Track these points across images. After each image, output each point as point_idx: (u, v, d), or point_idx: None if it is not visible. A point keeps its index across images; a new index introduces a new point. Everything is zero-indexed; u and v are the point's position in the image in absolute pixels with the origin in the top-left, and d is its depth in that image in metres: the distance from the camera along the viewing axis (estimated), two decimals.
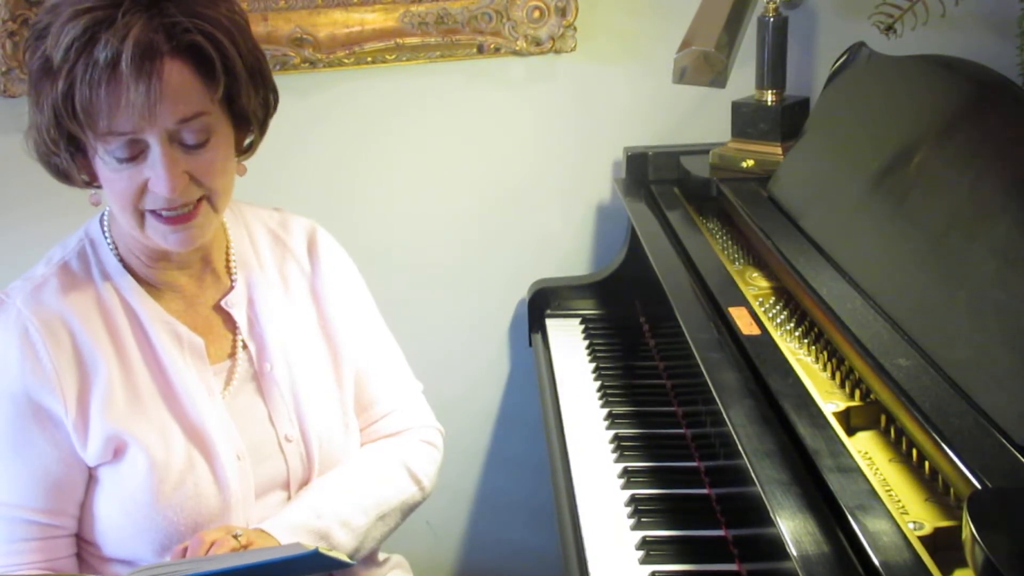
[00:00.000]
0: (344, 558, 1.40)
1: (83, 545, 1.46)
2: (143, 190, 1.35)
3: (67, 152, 1.37)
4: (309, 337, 1.56)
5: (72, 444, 1.40)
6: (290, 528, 1.43)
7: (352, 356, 1.59)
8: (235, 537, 1.36)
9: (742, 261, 1.79)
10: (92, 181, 1.41)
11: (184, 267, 1.48)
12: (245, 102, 1.40)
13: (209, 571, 1.27)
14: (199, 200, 1.38)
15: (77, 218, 1.52)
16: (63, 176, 1.42)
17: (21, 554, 1.41)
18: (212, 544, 1.34)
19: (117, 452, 1.41)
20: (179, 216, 1.37)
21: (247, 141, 1.48)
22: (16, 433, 1.40)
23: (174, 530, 1.41)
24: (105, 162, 1.35)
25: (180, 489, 1.41)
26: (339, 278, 1.61)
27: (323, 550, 1.30)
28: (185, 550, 1.36)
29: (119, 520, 1.42)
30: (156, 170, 1.33)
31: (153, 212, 1.37)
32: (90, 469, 1.42)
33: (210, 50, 1.33)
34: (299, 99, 2.16)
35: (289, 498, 1.50)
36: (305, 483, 1.52)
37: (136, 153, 1.34)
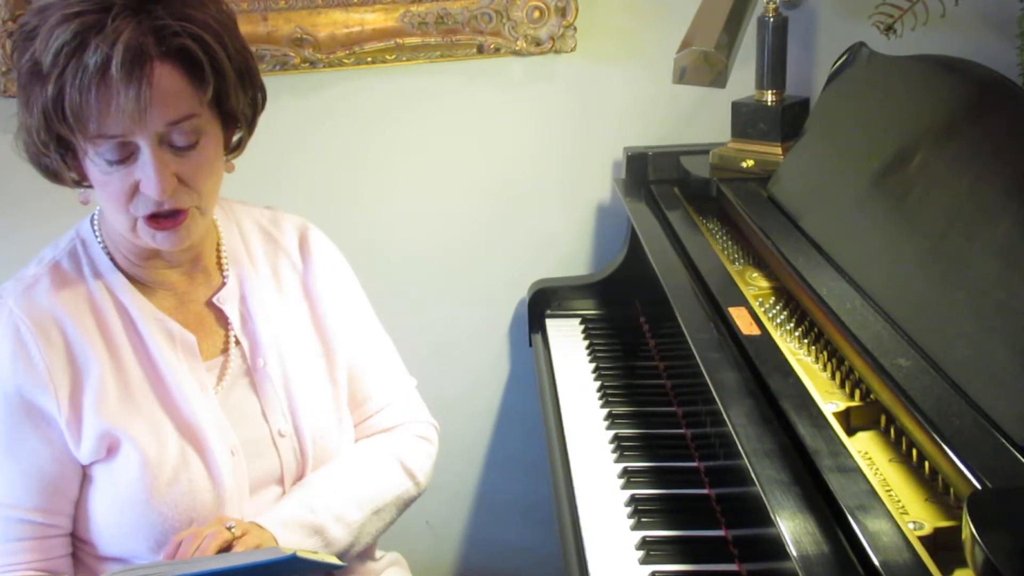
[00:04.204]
0: (333, 560, 1.40)
1: (79, 544, 1.47)
2: (134, 191, 1.36)
3: (57, 153, 1.37)
4: (302, 333, 1.56)
5: (65, 442, 1.40)
6: (284, 523, 1.44)
7: (345, 352, 1.59)
8: (228, 529, 1.37)
9: (742, 261, 1.79)
10: (82, 180, 1.41)
11: (174, 265, 1.49)
12: (234, 103, 1.40)
13: (184, 574, 1.27)
14: (188, 208, 1.39)
15: (75, 218, 1.52)
16: (53, 176, 1.42)
17: (16, 554, 1.41)
18: (205, 537, 1.35)
19: (110, 450, 1.41)
20: (167, 219, 1.38)
21: (235, 139, 1.48)
22: (9, 433, 1.40)
23: (169, 527, 1.41)
24: (95, 164, 1.35)
25: (174, 485, 1.41)
26: (331, 274, 1.61)
27: (302, 553, 1.30)
28: (179, 544, 1.36)
29: (114, 518, 1.42)
30: (146, 172, 1.34)
31: (143, 218, 1.37)
32: (84, 468, 1.42)
33: (199, 53, 1.33)
34: (299, 99, 2.16)
35: (283, 493, 1.51)
36: (299, 478, 1.52)
37: (126, 155, 1.34)
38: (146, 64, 1.30)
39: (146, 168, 1.34)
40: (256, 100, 1.46)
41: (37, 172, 1.43)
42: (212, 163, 1.40)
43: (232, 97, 1.40)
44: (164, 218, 1.37)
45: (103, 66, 1.29)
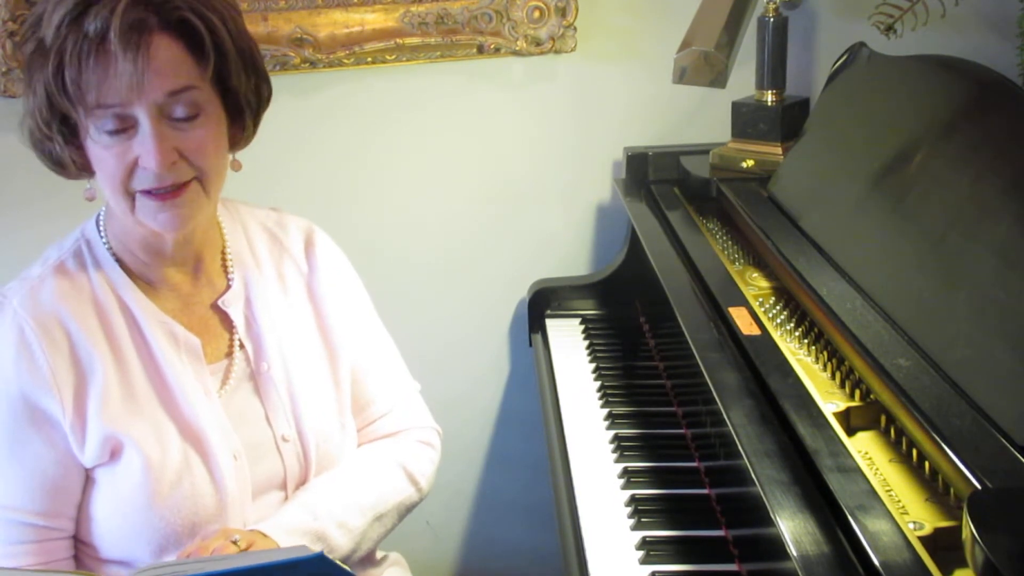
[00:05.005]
0: (350, 571, 1.40)
1: (80, 547, 1.46)
2: (133, 168, 1.35)
3: (59, 134, 1.37)
4: (306, 337, 1.55)
5: (69, 445, 1.40)
6: (286, 529, 1.43)
7: (349, 356, 1.59)
8: (234, 542, 1.36)
9: (742, 261, 1.79)
10: (85, 167, 1.40)
11: (178, 263, 1.48)
12: (236, 83, 1.40)
13: (213, 571, 1.26)
14: (189, 180, 1.38)
15: (77, 218, 1.52)
16: (57, 164, 1.42)
17: (18, 556, 1.41)
18: (212, 551, 1.34)
19: (113, 453, 1.40)
20: (168, 193, 1.36)
21: (241, 133, 1.47)
22: (12, 435, 1.40)
23: (171, 531, 1.40)
24: (95, 140, 1.35)
25: (176, 489, 1.40)
26: (336, 278, 1.61)
27: (328, 555, 1.30)
28: (187, 557, 1.36)
29: (116, 521, 1.42)
30: (145, 144, 1.33)
31: (143, 192, 1.36)
32: (87, 470, 1.42)
33: (199, 26, 1.34)
34: (299, 99, 2.16)
35: (286, 498, 1.50)
36: (302, 483, 1.52)
37: (125, 128, 1.34)
38: (144, 33, 1.31)
39: (145, 141, 1.33)
40: (260, 90, 1.46)
41: (41, 163, 1.43)
42: (214, 141, 1.39)
43: (234, 77, 1.40)
44: (164, 190, 1.36)
45: (102, 33, 1.30)
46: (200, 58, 1.35)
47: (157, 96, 1.32)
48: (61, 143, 1.38)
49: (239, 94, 1.41)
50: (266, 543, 1.40)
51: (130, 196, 1.37)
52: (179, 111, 1.35)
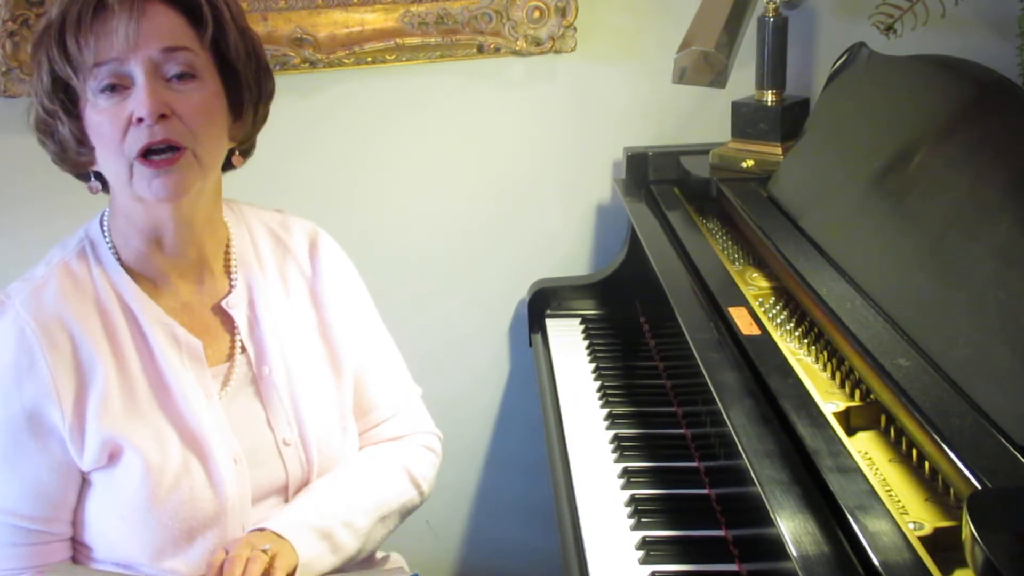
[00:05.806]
0: None
1: (76, 547, 1.46)
2: (127, 128, 1.35)
3: (61, 107, 1.38)
4: (308, 340, 1.55)
5: (67, 451, 1.39)
6: (293, 527, 1.43)
7: (351, 360, 1.58)
8: (264, 551, 1.36)
9: (742, 261, 1.79)
10: (83, 141, 1.40)
11: (180, 260, 1.46)
12: (235, 59, 1.41)
13: None
14: (183, 149, 1.37)
15: (77, 218, 1.52)
16: (59, 146, 1.42)
17: (15, 558, 1.41)
18: (248, 561, 1.34)
19: (112, 456, 1.40)
20: (163, 160, 1.35)
21: (241, 122, 1.46)
22: (9, 441, 1.39)
23: (168, 534, 1.40)
24: (93, 105, 1.36)
25: (175, 493, 1.39)
26: (340, 281, 1.60)
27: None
28: (220, 566, 1.34)
29: (113, 524, 1.41)
30: (138, 96, 1.34)
31: (139, 159, 1.35)
32: (83, 474, 1.41)
33: None
34: (299, 99, 2.16)
35: (287, 502, 1.49)
36: (303, 487, 1.51)
37: (121, 88, 1.35)
38: None
39: (138, 93, 1.35)
40: (262, 81, 1.47)
41: (44, 149, 1.44)
42: (209, 109, 1.39)
43: (232, 50, 1.41)
44: (158, 156, 1.35)
45: None
46: (197, 25, 1.38)
47: (152, 51, 1.34)
48: (63, 117, 1.39)
49: (239, 72, 1.42)
50: (284, 547, 1.39)
51: (127, 164, 1.37)
52: (173, 70, 1.36)
